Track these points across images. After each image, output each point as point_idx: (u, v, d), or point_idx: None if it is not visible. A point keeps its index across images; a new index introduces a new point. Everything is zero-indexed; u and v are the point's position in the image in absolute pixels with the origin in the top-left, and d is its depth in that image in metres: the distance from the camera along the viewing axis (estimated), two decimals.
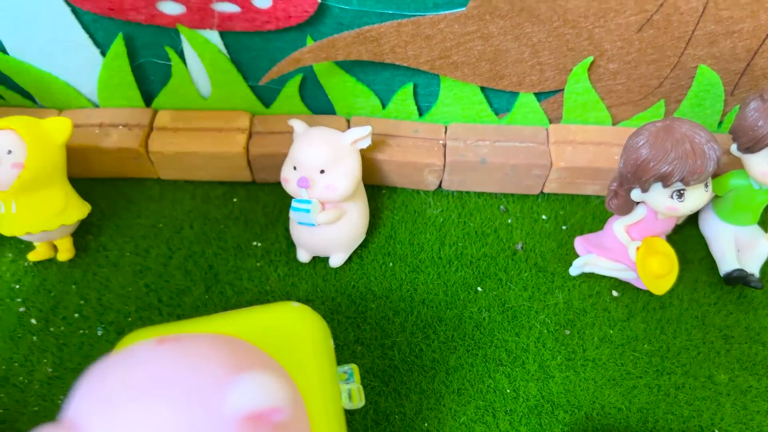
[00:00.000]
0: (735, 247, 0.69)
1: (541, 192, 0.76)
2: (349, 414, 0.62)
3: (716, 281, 0.70)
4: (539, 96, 0.70)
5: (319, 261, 0.71)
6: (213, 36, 0.65)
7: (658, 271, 0.64)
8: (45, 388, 0.64)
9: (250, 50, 0.67)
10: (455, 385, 0.64)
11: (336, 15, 0.62)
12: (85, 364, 0.65)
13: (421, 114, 0.74)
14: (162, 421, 0.33)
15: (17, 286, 0.70)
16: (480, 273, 0.70)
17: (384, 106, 0.73)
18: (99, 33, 0.66)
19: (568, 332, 0.67)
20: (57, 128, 0.68)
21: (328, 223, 0.66)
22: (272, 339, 0.49)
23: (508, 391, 0.63)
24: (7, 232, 0.68)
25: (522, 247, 0.72)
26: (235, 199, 0.76)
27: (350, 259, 0.71)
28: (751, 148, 0.63)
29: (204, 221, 0.74)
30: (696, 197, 0.61)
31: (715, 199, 0.70)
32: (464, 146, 0.71)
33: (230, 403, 0.34)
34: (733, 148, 0.65)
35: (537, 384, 0.64)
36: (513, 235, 0.73)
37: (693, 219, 0.74)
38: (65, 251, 0.71)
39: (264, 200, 0.76)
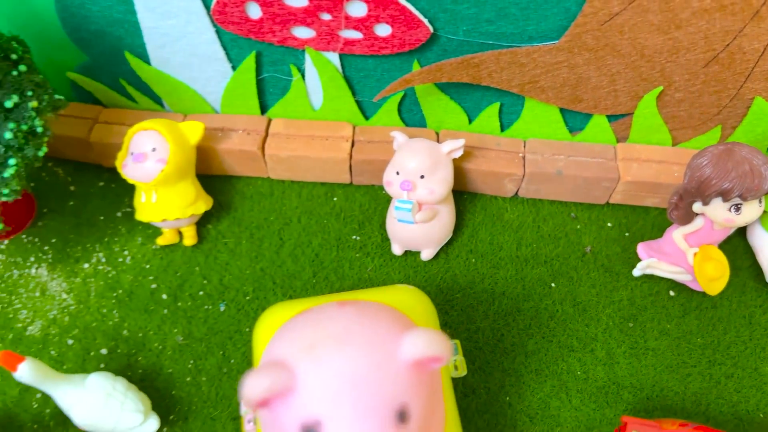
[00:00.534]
0: None
1: (607, 202, 0.85)
2: None
3: (762, 286, 0.79)
4: (610, 118, 0.80)
5: (411, 254, 0.81)
6: (334, 57, 0.76)
7: (713, 274, 0.74)
8: (177, 354, 0.75)
9: (362, 70, 0.78)
10: (533, 366, 0.73)
11: (443, 43, 0.73)
12: (210, 335, 0.76)
13: (502, 129, 0.84)
14: (355, 361, 0.43)
15: (148, 266, 0.81)
16: (553, 271, 0.80)
17: (470, 122, 0.83)
18: (234, 50, 0.77)
19: (631, 325, 0.76)
20: (192, 130, 0.79)
21: (424, 222, 0.77)
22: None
23: (579, 373, 0.73)
24: (147, 219, 0.79)
25: (590, 250, 0.81)
26: (335, 198, 0.87)
27: (438, 254, 0.81)
28: None
29: (309, 216, 0.85)
30: (751, 211, 0.71)
31: (763, 213, 0.80)
32: (542, 159, 0.81)
33: (404, 350, 0.44)
34: None
35: (604, 368, 0.73)
36: (582, 239, 0.83)
37: (741, 232, 0.83)
38: (190, 237, 0.82)
39: (360, 200, 0.86)
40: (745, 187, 0.68)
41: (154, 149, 0.76)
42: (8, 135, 0.65)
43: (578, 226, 0.84)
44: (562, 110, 0.80)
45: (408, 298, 0.63)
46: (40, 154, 0.68)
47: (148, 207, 0.78)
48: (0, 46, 0.67)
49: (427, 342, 0.44)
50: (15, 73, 0.66)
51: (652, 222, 0.84)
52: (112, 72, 0.82)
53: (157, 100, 0.86)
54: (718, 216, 0.71)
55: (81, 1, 0.73)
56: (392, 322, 0.46)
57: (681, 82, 0.74)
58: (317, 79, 0.79)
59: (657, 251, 0.79)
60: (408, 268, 0.81)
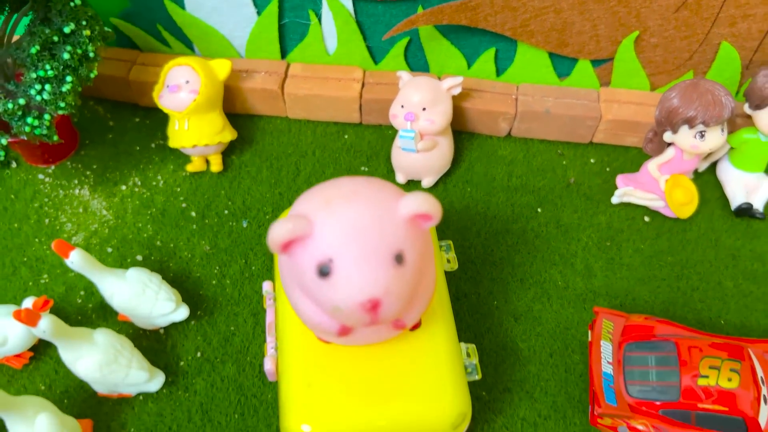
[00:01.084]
0: (744, 189, 0.87)
1: (591, 141, 0.95)
2: None
3: (728, 215, 0.88)
4: (594, 63, 0.90)
5: (413, 183, 0.91)
6: (347, 2, 0.86)
7: (682, 199, 0.83)
8: (204, 261, 0.84)
9: (372, 16, 0.88)
10: (518, 276, 0.83)
11: None
12: (234, 246, 0.85)
13: (498, 74, 0.94)
14: (362, 212, 0.52)
15: (178, 189, 0.91)
16: (540, 198, 0.89)
17: (469, 66, 0.93)
18: None
19: (608, 244, 0.85)
20: (220, 67, 0.89)
21: (425, 151, 0.86)
22: None
23: (559, 283, 0.82)
24: (179, 145, 0.89)
25: (574, 181, 0.91)
26: (346, 136, 0.96)
27: (437, 183, 0.91)
28: (759, 105, 0.82)
29: (322, 150, 0.94)
30: (714, 138, 0.80)
31: (730, 150, 0.88)
32: (532, 100, 0.91)
33: (402, 205, 0.53)
34: (746, 107, 0.84)
35: (583, 280, 0.82)
36: (567, 173, 0.92)
37: (711, 169, 0.92)
38: (216, 164, 0.92)
39: (369, 138, 0.96)
40: (707, 115, 0.77)
41: (187, 81, 0.86)
42: (66, 56, 0.75)
43: (564, 162, 0.93)
44: (551, 55, 0.90)
45: None
46: (92, 75, 0.78)
47: (180, 133, 0.88)
48: None
49: (422, 201, 0.53)
50: (72, 4, 0.77)
51: (632, 159, 0.93)
52: (150, 17, 0.93)
53: (189, 45, 0.96)
54: (685, 143, 0.81)
55: None
56: (394, 189, 0.56)
57: (655, 27, 0.83)
58: (332, 24, 0.89)
59: (633, 181, 0.88)
60: None
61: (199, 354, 0.77)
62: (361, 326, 0.55)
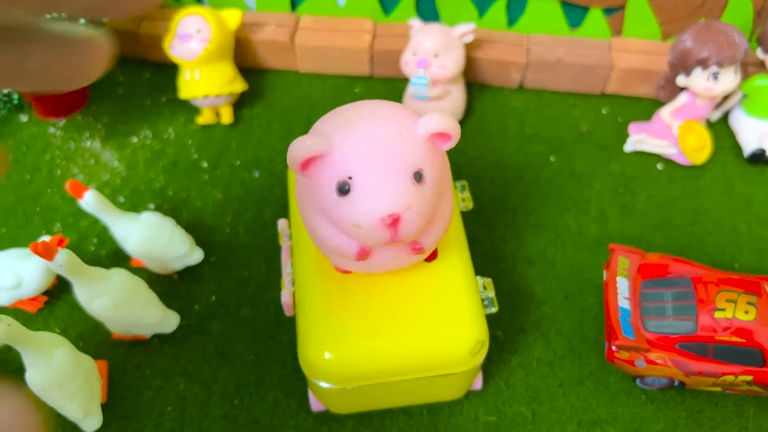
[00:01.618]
0: (757, 136, 0.87)
1: (602, 93, 0.94)
2: None
3: (741, 162, 0.88)
4: (606, 12, 0.89)
5: None
6: None
7: (695, 144, 0.83)
8: (216, 209, 0.84)
9: None
10: (532, 221, 0.82)
11: None
12: (246, 195, 0.85)
13: (509, 24, 0.93)
14: (382, 130, 0.52)
15: (189, 142, 0.91)
16: (553, 147, 0.89)
17: (480, 15, 0.93)
18: None
19: (621, 191, 0.85)
20: (231, 17, 0.88)
21: (437, 98, 0.86)
22: None
23: (573, 228, 0.82)
24: (190, 95, 0.89)
25: (586, 130, 0.90)
26: (356, 89, 0.96)
27: None
28: None
29: (333, 103, 0.93)
30: (728, 80, 0.79)
31: (743, 98, 0.88)
32: (544, 49, 0.91)
33: (421, 124, 0.53)
34: (758, 51, 0.83)
35: (596, 225, 0.82)
36: (579, 123, 0.92)
37: (724, 120, 0.92)
38: (227, 116, 0.92)
39: (379, 90, 0.96)
40: (721, 55, 0.77)
41: (198, 30, 0.86)
42: None
43: (576, 113, 0.93)
44: (563, 4, 0.89)
45: None
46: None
47: (192, 83, 0.88)
48: None
49: (441, 120, 0.53)
50: None
51: (644, 110, 0.93)
52: None
53: None
54: (699, 86, 0.80)
55: None
56: (413, 111, 0.56)
57: None
58: None
59: (646, 129, 0.87)
60: None
61: (213, 298, 0.77)
62: (381, 244, 0.55)
